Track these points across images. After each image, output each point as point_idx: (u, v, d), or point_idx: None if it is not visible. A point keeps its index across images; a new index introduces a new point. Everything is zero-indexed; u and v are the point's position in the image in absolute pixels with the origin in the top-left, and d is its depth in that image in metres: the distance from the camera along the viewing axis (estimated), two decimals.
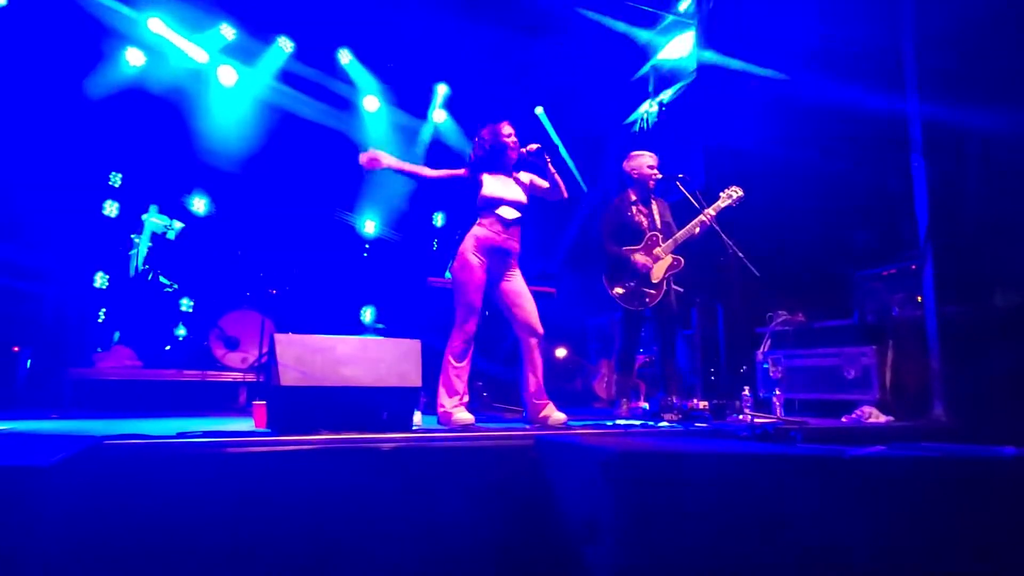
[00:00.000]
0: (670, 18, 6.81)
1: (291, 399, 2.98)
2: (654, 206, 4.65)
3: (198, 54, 6.85)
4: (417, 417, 3.42)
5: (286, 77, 7.38)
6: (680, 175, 4.64)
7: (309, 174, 7.23)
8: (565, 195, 4.08)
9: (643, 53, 7.27)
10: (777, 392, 4.57)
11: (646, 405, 4.70)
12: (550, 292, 5.83)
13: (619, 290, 4.45)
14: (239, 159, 6.82)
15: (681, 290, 4.64)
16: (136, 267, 6.08)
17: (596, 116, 7.99)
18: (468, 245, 3.84)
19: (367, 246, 7.72)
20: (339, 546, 2.38)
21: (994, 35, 4.14)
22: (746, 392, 4.39)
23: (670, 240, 4.49)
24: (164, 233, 6.17)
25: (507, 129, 4.00)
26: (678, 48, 6.83)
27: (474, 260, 3.81)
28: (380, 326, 7.16)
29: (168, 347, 6.13)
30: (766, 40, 5.90)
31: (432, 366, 3.69)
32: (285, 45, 7.32)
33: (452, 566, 2.46)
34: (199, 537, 2.25)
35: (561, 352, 6.89)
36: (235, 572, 2.26)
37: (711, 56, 6.28)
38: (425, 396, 3.86)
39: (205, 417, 4.25)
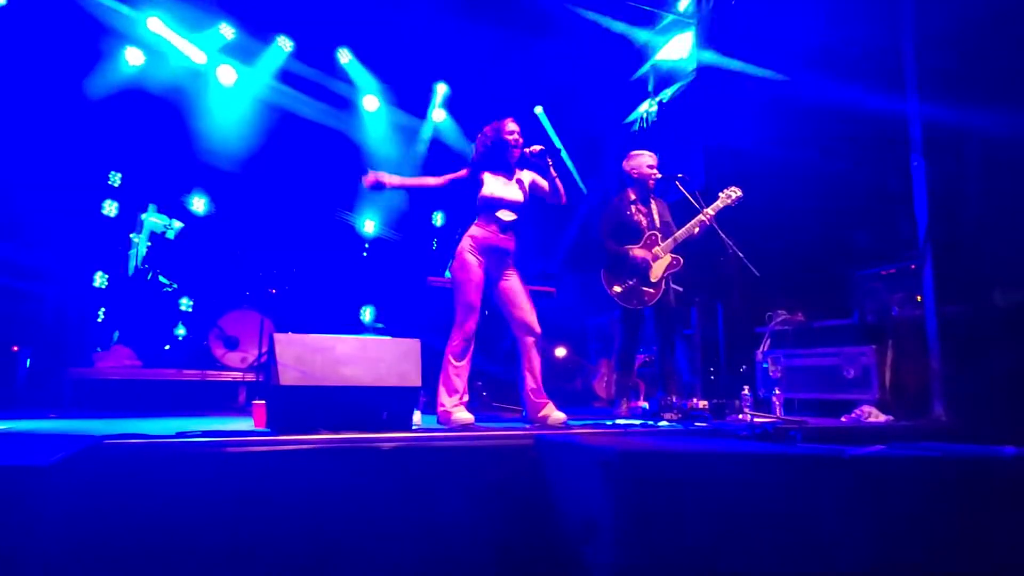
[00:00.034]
0: (670, 18, 6.81)
1: (291, 399, 2.98)
2: (653, 206, 4.65)
3: (196, 55, 6.84)
4: (417, 417, 3.42)
5: (285, 77, 7.37)
6: (680, 175, 4.64)
7: (309, 174, 7.23)
8: (564, 201, 4.05)
9: (642, 53, 7.27)
10: (777, 391, 4.57)
11: (646, 405, 4.69)
12: (550, 292, 5.84)
13: (617, 288, 4.45)
14: (239, 159, 6.81)
15: (680, 289, 4.64)
16: (135, 266, 6.08)
17: (595, 116, 7.98)
18: (466, 245, 3.85)
19: (367, 245, 7.72)
20: (339, 545, 2.38)
21: (994, 35, 4.14)
22: (746, 391, 4.39)
23: (669, 239, 4.49)
24: (164, 232, 6.17)
25: (511, 126, 3.97)
26: (678, 48, 6.82)
27: (472, 260, 3.81)
28: (380, 325, 7.16)
29: (168, 347, 6.13)
30: (766, 40, 5.90)
31: (432, 365, 3.69)
32: (284, 44, 7.31)
33: (451, 565, 2.46)
34: (199, 537, 2.25)
35: (561, 352, 6.89)
36: (235, 572, 2.26)
37: (711, 56, 6.27)
38: (425, 396, 3.86)
39: (204, 417, 4.24)
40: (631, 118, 7.46)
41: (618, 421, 4.07)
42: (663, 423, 4.03)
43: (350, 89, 7.77)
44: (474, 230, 3.89)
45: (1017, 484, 2.31)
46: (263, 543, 2.31)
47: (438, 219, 8.42)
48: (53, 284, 6.09)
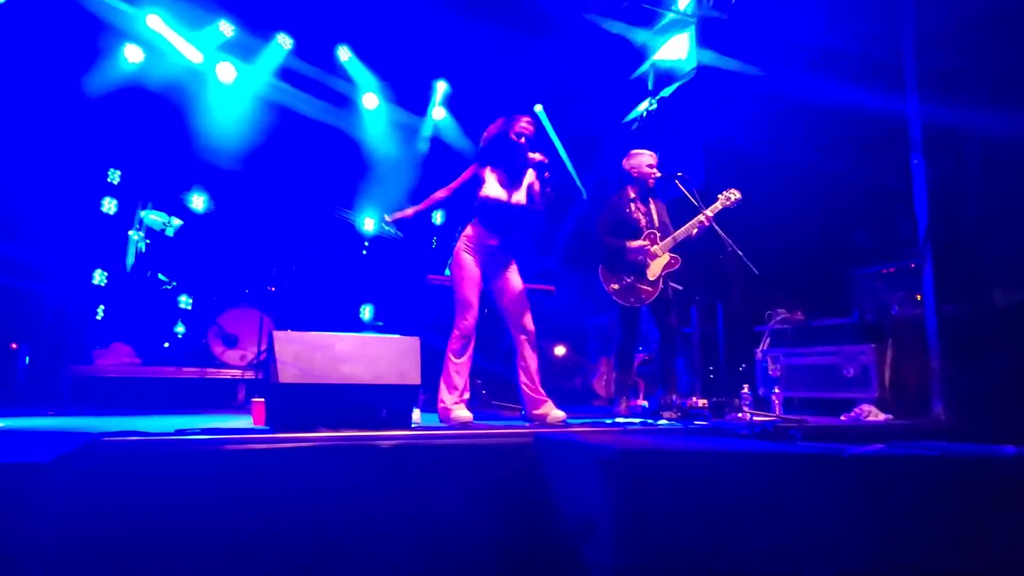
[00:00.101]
0: (669, 16, 6.80)
1: (290, 396, 2.97)
2: (652, 205, 4.65)
3: (194, 55, 6.83)
4: (416, 415, 3.42)
5: (285, 74, 7.36)
6: (679, 173, 4.63)
7: (308, 171, 7.22)
8: (541, 209, 4.03)
9: (642, 52, 7.26)
10: (776, 390, 4.56)
11: (645, 403, 4.69)
12: (549, 290, 5.83)
13: (614, 286, 4.45)
14: (238, 156, 6.80)
15: (680, 288, 4.63)
16: (133, 263, 6.07)
17: (595, 114, 7.97)
18: (463, 243, 3.86)
19: (366, 244, 7.71)
20: (338, 543, 2.38)
21: (994, 35, 4.14)
22: (745, 390, 4.39)
23: (668, 239, 4.48)
24: (163, 230, 6.16)
25: (522, 124, 3.91)
26: (677, 47, 6.82)
27: (469, 258, 3.82)
28: (379, 324, 7.16)
29: (167, 344, 6.12)
30: (766, 39, 5.89)
31: (431, 364, 3.69)
32: (284, 42, 7.30)
33: (451, 563, 2.46)
34: (197, 534, 2.25)
35: (560, 350, 6.89)
36: (233, 569, 2.26)
37: (710, 55, 6.27)
38: (424, 394, 3.86)
39: (204, 414, 4.24)
40: (631, 117, 7.45)
41: (617, 419, 4.07)
42: (662, 422, 4.03)
43: (350, 87, 7.76)
44: (471, 229, 3.88)
45: (1016, 483, 2.31)
46: (262, 541, 2.31)
47: (438, 218, 8.41)
48: (52, 282, 6.09)
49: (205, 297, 6.27)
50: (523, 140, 3.90)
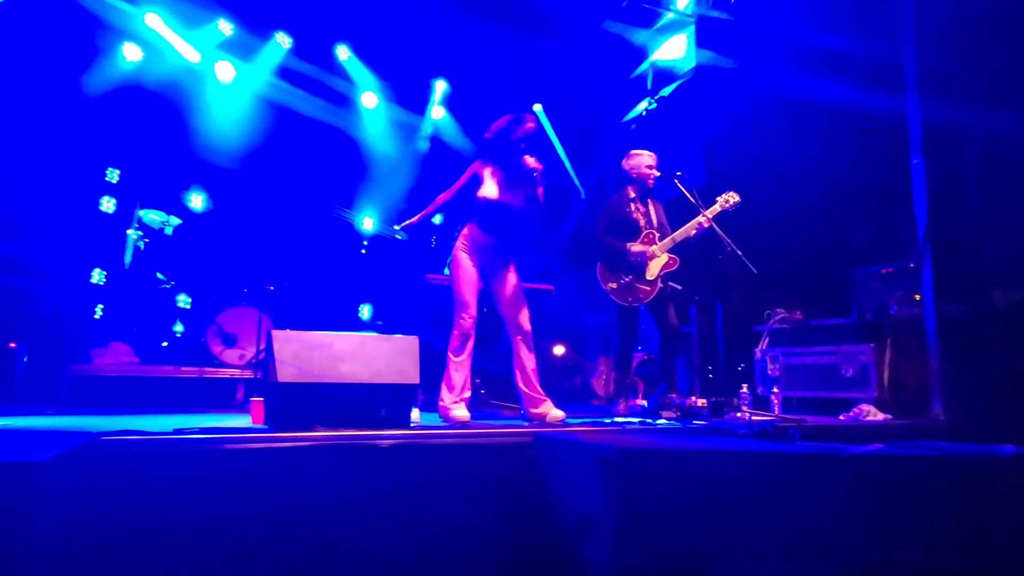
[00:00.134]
0: (669, 16, 6.80)
1: (288, 395, 2.97)
2: (651, 206, 4.65)
3: (192, 54, 6.82)
4: (415, 414, 3.42)
5: (284, 73, 7.35)
6: (678, 173, 4.64)
7: (307, 171, 7.21)
8: (536, 211, 4.01)
9: (642, 51, 7.26)
10: (775, 390, 4.57)
11: (644, 403, 4.69)
12: (548, 290, 5.83)
13: (612, 285, 4.46)
14: (237, 155, 6.79)
15: (679, 287, 4.64)
16: (129, 261, 6.07)
17: (595, 114, 7.97)
18: (461, 243, 3.87)
19: (365, 243, 7.71)
20: (336, 542, 2.38)
21: (994, 35, 4.14)
22: (744, 390, 4.39)
23: (667, 239, 4.49)
24: (162, 228, 6.16)
25: (526, 127, 3.89)
26: (677, 46, 6.81)
27: (466, 258, 3.83)
28: (379, 323, 7.15)
29: (165, 343, 6.12)
30: (765, 38, 5.89)
31: (430, 363, 3.68)
32: (283, 41, 7.29)
33: (450, 563, 2.46)
34: (196, 533, 2.24)
35: (559, 350, 6.89)
36: (233, 569, 2.26)
37: (709, 54, 6.27)
38: (423, 393, 3.85)
39: (202, 414, 4.24)
40: (630, 116, 7.45)
41: (616, 419, 4.07)
42: (661, 421, 4.03)
43: (349, 86, 7.75)
44: (469, 229, 3.89)
45: (1015, 483, 2.31)
46: (261, 540, 2.30)
47: (437, 217, 8.40)
48: (51, 281, 6.08)
49: (204, 296, 6.27)
50: (523, 145, 3.89)
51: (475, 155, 4.02)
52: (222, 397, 5.63)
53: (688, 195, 4.51)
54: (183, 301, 6.29)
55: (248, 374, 5.64)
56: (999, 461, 2.38)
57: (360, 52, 7.67)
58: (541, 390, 3.83)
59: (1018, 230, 3.98)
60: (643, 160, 4.68)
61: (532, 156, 3.89)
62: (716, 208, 4.48)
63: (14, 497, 1.87)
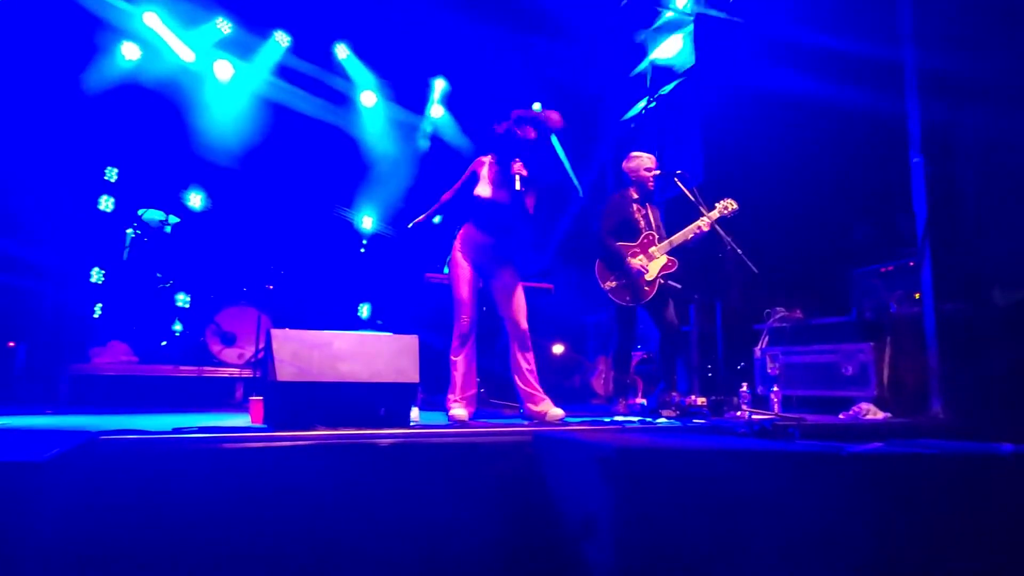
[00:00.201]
0: (668, 14, 6.79)
1: (288, 395, 2.97)
2: (649, 209, 4.67)
3: (189, 55, 6.80)
4: (414, 413, 3.42)
5: (283, 72, 7.34)
6: (678, 171, 4.64)
7: (306, 169, 7.21)
8: (531, 212, 3.97)
9: (642, 49, 7.25)
10: (775, 388, 4.57)
11: (644, 402, 4.69)
12: (548, 288, 5.83)
13: (611, 283, 4.46)
14: (236, 154, 6.79)
15: (679, 287, 4.64)
16: (127, 254, 6.07)
17: (594, 112, 7.97)
18: (459, 243, 3.89)
19: (364, 242, 7.70)
20: (336, 542, 2.37)
21: (994, 34, 4.14)
22: (744, 388, 4.39)
23: (665, 242, 4.50)
24: (161, 226, 6.15)
25: (527, 130, 3.87)
26: (676, 44, 6.81)
27: (463, 257, 3.83)
28: (379, 322, 7.15)
29: (164, 343, 6.11)
30: (764, 37, 5.89)
31: (429, 362, 3.68)
32: (282, 39, 7.28)
33: (450, 562, 2.46)
34: (195, 533, 2.24)
35: (559, 349, 6.88)
36: (232, 568, 2.25)
37: (708, 53, 6.26)
38: (423, 392, 3.85)
39: (201, 413, 4.24)
40: (629, 115, 7.44)
41: (616, 418, 4.07)
42: (661, 420, 4.03)
43: (348, 84, 7.74)
44: (467, 228, 3.90)
45: (1014, 482, 2.31)
46: (260, 540, 2.30)
47: (437, 216, 8.39)
48: (49, 280, 6.07)
49: (203, 295, 6.26)
50: (527, 143, 3.88)
51: (477, 153, 4.02)
52: (221, 396, 5.63)
53: (688, 193, 4.51)
54: (182, 300, 6.28)
55: (247, 373, 5.64)
56: (998, 459, 2.38)
57: (359, 51, 7.66)
58: (540, 389, 3.83)
59: (1018, 229, 3.98)
60: (643, 163, 4.69)
61: (520, 161, 3.84)
62: (715, 214, 4.49)
63: (13, 496, 1.86)
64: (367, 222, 7.80)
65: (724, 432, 3.29)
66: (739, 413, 4.29)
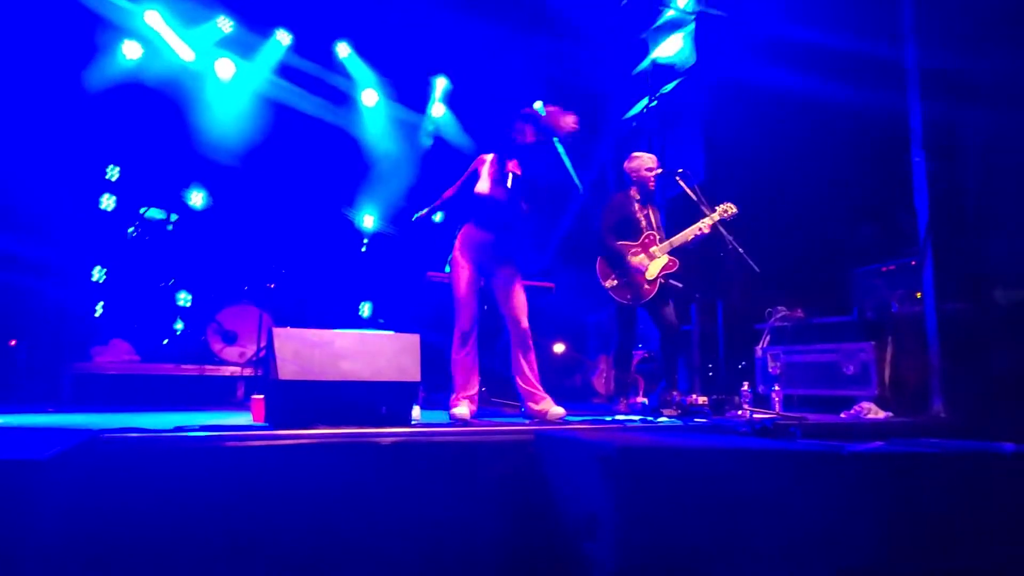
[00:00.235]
0: (670, 13, 6.79)
1: (289, 393, 2.97)
2: (650, 209, 4.67)
3: (189, 54, 6.80)
4: (416, 412, 3.42)
5: (284, 71, 7.34)
6: (680, 170, 4.64)
7: (307, 168, 7.20)
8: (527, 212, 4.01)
9: (643, 48, 7.25)
10: (776, 388, 4.57)
11: (645, 400, 4.69)
12: (548, 287, 5.83)
13: (612, 281, 4.46)
14: (237, 153, 6.78)
15: (680, 286, 4.64)
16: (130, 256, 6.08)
17: (595, 111, 7.96)
18: (460, 241, 3.89)
19: (366, 240, 7.70)
20: (337, 540, 2.38)
21: (994, 34, 4.13)
22: (745, 388, 4.40)
23: (666, 243, 4.50)
24: (164, 225, 6.15)
25: (527, 132, 3.89)
26: (678, 43, 6.81)
27: (463, 257, 3.83)
28: (381, 320, 7.15)
29: (166, 341, 6.12)
30: (765, 36, 5.88)
31: (431, 361, 3.68)
32: (283, 38, 7.28)
33: (451, 561, 2.46)
34: (197, 531, 2.24)
35: (560, 348, 6.88)
36: (233, 567, 2.26)
37: (710, 51, 6.26)
38: (424, 391, 3.85)
39: (203, 411, 4.24)
40: (631, 113, 7.44)
41: (617, 417, 4.07)
42: (662, 419, 4.03)
43: (349, 83, 7.74)
44: (467, 227, 3.91)
45: (1015, 481, 2.31)
46: (261, 538, 2.30)
47: (438, 215, 8.39)
48: (51, 278, 6.07)
49: (204, 294, 6.26)
50: (527, 143, 3.88)
51: (478, 151, 4.02)
52: (223, 395, 5.64)
53: (689, 191, 4.51)
54: (183, 299, 6.29)
55: (249, 372, 5.64)
56: (999, 459, 2.38)
57: (360, 49, 7.65)
58: (541, 387, 3.82)
59: (1018, 228, 3.98)
60: (644, 163, 4.69)
61: (515, 160, 3.87)
62: (715, 216, 4.49)
63: (14, 495, 1.87)
64: (368, 221, 7.80)
65: (725, 431, 3.29)
66: (740, 412, 4.29)
